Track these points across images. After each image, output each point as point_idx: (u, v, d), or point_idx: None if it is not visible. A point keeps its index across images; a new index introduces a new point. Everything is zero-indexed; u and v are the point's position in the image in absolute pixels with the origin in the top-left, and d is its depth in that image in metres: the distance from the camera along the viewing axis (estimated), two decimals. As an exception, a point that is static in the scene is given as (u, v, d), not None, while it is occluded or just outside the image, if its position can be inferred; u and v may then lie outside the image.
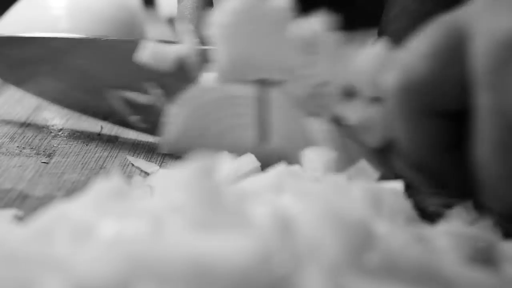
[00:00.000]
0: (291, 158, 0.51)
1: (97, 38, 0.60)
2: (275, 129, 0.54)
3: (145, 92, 0.58)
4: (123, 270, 0.31)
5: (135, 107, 0.59)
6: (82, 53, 0.59)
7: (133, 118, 0.60)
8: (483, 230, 0.41)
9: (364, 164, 0.48)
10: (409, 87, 0.42)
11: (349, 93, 0.50)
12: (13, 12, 0.77)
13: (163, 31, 0.93)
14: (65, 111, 0.66)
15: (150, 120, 0.59)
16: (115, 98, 0.59)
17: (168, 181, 0.36)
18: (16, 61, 0.62)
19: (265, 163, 0.51)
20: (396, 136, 0.45)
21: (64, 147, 0.59)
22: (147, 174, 0.55)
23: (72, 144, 0.60)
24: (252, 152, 0.52)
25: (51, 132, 0.62)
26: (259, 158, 0.52)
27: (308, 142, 0.51)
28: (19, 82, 0.63)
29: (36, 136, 0.61)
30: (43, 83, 0.62)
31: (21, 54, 0.61)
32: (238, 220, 0.34)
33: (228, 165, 0.50)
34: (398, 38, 0.48)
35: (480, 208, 0.44)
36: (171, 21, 0.92)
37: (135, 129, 0.61)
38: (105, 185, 0.37)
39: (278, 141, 0.54)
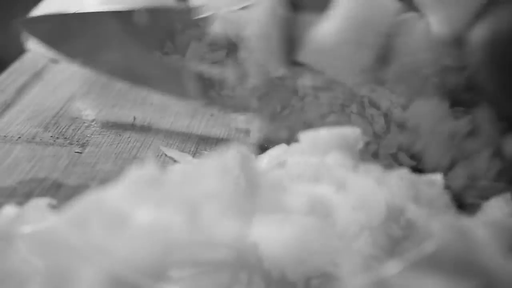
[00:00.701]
0: None
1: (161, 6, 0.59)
2: None
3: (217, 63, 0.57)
4: (160, 257, 0.30)
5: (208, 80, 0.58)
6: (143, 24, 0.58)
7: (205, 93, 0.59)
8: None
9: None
10: (498, 40, 0.46)
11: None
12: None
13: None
14: (99, 101, 0.67)
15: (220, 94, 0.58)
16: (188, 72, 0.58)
17: (205, 168, 0.35)
18: (73, 35, 0.61)
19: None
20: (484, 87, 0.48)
21: (97, 137, 0.59)
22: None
23: (105, 134, 0.60)
24: None
25: (84, 122, 0.62)
26: None
27: None
28: (75, 56, 0.63)
29: (69, 126, 0.61)
30: (102, 57, 0.61)
31: (79, 29, 0.61)
32: (275, 208, 0.33)
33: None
34: None
35: None
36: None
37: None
38: (140, 173, 0.37)
39: None
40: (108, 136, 0.60)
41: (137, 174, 0.37)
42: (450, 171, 0.51)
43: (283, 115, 0.56)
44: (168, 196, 0.35)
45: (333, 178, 0.38)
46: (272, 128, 0.56)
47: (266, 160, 0.49)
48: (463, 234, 0.37)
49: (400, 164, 0.52)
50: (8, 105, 0.65)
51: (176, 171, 0.48)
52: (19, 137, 0.59)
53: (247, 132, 0.58)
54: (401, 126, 0.53)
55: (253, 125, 0.56)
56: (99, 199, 0.36)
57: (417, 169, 0.51)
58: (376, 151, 0.53)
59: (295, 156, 0.48)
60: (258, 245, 0.30)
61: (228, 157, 0.35)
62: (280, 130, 0.56)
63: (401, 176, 0.40)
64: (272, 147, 0.52)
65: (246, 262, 0.30)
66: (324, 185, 0.38)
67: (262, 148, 0.55)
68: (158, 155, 0.56)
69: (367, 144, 0.53)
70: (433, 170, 0.50)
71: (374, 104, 0.54)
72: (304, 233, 0.31)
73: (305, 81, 0.54)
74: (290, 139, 0.52)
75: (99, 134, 0.60)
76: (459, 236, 0.37)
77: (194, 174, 0.36)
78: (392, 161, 0.52)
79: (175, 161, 0.55)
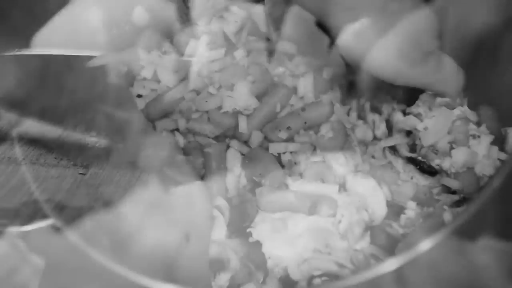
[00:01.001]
0: None
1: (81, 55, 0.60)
2: None
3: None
4: (163, 278, 0.31)
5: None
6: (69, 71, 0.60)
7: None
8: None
9: None
10: None
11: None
12: (51, 26, 0.78)
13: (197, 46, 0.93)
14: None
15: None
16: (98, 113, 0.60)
17: (206, 191, 0.36)
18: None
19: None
20: None
21: (101, 159, 0.60)
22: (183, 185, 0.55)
23: (108, 155, 0.60)
24: None
25: (88, 144, 0.63)
26: None
27: None
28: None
29: (73, 148, 0.62)
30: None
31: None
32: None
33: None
34: None
35: None
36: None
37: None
38: (143, 195, 0.37)
39: None
40: (112, 157, 0.60)
41: (141, 196, 0.37)
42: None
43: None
44: (171, 218, 0.35)
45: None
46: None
47: (267, 182, 0.49)
48: (465, 258, 0.37)
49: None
50: (12, 127, 0.65)
51: (179, 193, 0.48)
52: (23, 159, 0.59)
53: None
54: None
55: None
56: (104, 221, 0.37)
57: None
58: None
59: (295, 179, 0.48)
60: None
61: (228, 179, 0.35)
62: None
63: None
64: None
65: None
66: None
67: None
68: (161, 177, 0.56)
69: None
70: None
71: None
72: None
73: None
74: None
75: (103, 155, 0.60)
76: (461, 260, 0.37)
77: (196, 196, 0.37)
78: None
79: (178, 182, 0.55)
